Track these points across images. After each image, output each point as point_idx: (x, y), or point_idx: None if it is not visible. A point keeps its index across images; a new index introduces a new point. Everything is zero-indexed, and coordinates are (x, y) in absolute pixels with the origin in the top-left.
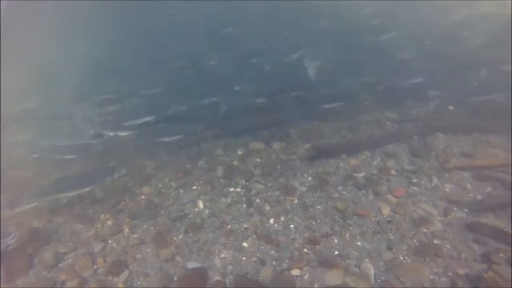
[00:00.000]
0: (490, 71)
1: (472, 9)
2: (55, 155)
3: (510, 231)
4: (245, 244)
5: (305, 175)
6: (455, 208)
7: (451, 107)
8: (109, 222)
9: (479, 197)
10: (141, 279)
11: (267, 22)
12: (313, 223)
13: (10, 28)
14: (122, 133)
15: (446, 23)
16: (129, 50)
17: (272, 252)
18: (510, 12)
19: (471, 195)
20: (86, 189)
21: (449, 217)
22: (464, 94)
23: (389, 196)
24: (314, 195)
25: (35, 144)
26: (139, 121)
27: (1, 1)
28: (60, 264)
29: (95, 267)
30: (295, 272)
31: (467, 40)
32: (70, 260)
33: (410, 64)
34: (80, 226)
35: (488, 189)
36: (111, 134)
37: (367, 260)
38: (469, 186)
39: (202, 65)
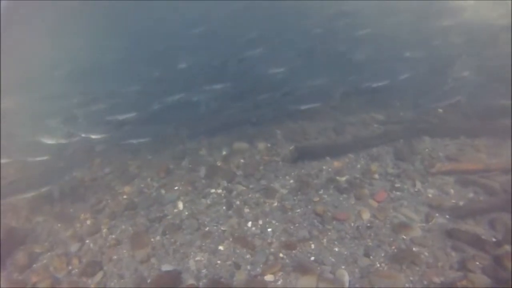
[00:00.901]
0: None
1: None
2: (26, 157)
3: (487, 238)
4: (221, 247)
5: (287, 177)
6: (437, 214)
7: (440, 110)
8: (88, 222)
9: (461, 202)
10: (115, 280)
11: (237, 23)
12: (291, 227)
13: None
14: (95, 135)
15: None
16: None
17: (248, 256)
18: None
19: (453, 200)
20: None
21: (430, 223)
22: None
23: (371, 201)
24: (295, 198)
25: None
26: (119, 119)
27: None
28: (34, 265)
29: (70, 267)
30: (269, 277)
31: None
32: (45, 261)
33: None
34: (59, 225)
35: (470, 195)
36: (83, 135)
37: (343, 266)
38: (451, 191)
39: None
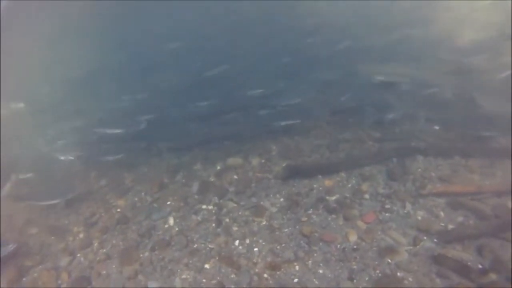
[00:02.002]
0: None
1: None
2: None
3: (474, 266)
4: (207, 266)
5: (278, 195)
6: (425, 237)
7: (436, 127)
8: (81, 235)
9: (450, 226)
10: None
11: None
12: (278, 247)
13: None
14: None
15: None
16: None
17: (233, 275)
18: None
19: (442, 224)
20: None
21: (417, 247)
22: None
23: (359, 222)
24: (284, 217)
25: None
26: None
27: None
28: (24, 279)
29: (59, 282)
30: None
31: None
32: (35, 275)
33: None
34: (52, 238)
35: (460, 219)
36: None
37: None
38: (441, 214)
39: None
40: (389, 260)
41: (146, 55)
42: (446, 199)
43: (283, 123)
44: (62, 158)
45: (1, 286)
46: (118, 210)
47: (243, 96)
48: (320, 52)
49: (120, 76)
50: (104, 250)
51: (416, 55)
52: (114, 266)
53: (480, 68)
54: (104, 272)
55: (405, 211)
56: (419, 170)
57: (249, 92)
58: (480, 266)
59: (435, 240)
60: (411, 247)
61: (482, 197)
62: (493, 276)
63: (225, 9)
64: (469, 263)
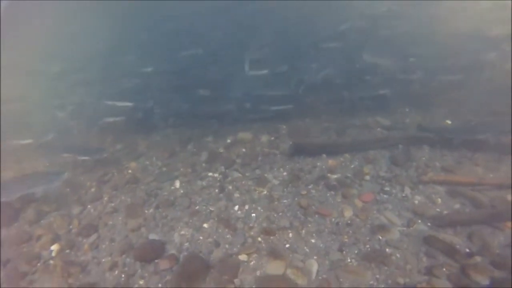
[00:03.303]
0: None
1: None
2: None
3: (461, 249)
4: (205, 225)
5: (281, 169)
6: (419, 221)
7: (448, 121)
8: (93, 190)
9: (445, 212)
10: (106, 243)
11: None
12: (275, 215)
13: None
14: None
15: None
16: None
17: (228, 236)
18: None
19: (438, 209)
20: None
21: (410, 228)
22: None
23: (356, 200)
24: (284, 189)
25: None
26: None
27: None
28: (41, 221)
29: (70, 227)
30: (243, 257)
31: None
32: (51, 219)
33: None
34: (67, 190)
35: (457, 206)
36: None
37: (314, 257)
38: (439, 200)
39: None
40: (380, 237)
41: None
42: (446, 188)
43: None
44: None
45: (21, 225)
46: (130, 171)
47: None
48: None
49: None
50: (112, 204)
51: None
52: (120, 218)
53: None
54: (111, 222)
55: (403, 195)
56: (423, 158)
57: None
58: (467, 250)
59: (428, 223)
60: (404, 228)
61: (483, 188)
62: (477, 259)
63: None
64: (457, 246)
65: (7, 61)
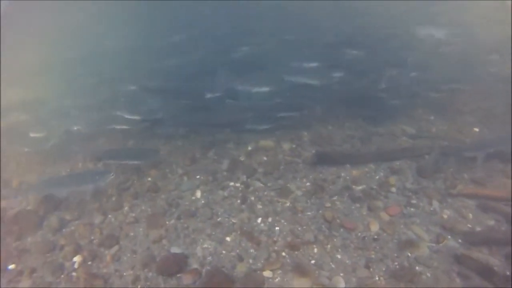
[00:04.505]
0: None
1: None
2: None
3: (499, 271)
4: (228, 238)
5: (304, 179)
6: (449, 236)
7: (476, 129)
8: (114, 198)
9: (478, 228)
10: (128, 255)
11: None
12: (299, 228)
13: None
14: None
15: None
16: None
17: (252, 250)
18: None
19: (469, 225)
20: None
21: (440, 244)
22: None
23: (382, 213)
24: (308, 201)
25: None
26: None
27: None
28: (64, 230)
29: (92, 237)
30: (267, 273)
31: None
32: (72, 227)
33: None
34: (88, 197)
35: (490, 222)
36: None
37: (341, 274)
38: (470, 215)
39: None
40: (409, 254)
41: None
42: (476, 202)
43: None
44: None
45: (45, 233)
46: (149, 179)
47: None
48: None
49: None
50: (133, 214)
51: None
52: (141, 229)
53: None
54: (132, 233)
55: (431, 208)
56: (452, 169)
57: None
58: (507, 273)
59: (459, 240)
60: (434, 244)
61: None
62: None
63: None
64: (495, 268)
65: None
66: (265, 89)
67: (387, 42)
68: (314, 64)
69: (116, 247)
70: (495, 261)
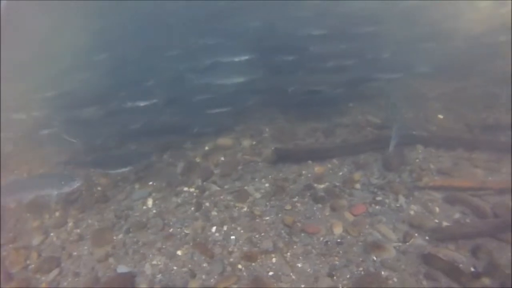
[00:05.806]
0: None
1: None
2: None
3: (466, 268)
4: (179, 252)
5: (263, 180)
6: (416, 234)
7: (440, 116)
8: (57, 213)
9: (444, 223)
10: (69, 279)
11: None
12: (256, 236)
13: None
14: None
15: None
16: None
17: (205, 264)
18: None
19: (436, 220)
20: None
21: (407, 244)
22: None
23: (346, 213)
24: (267, 203)
25: None
26: None
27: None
28: None
29: (28, 262)
30: None
31: None
32: (4, 253)
33: None
34: (28, 215)
35: (457, 216)
36: None
37: (302, 285)
38: (437, 209)
39: None
40: (375, 257)
41: None
42: (444, 194)
43: None
44: None
45: None
46: (99, 188)
47: None
48: None
49: None
50: (78, 230)
51: None
52: (86, 247)
53: None
54: (75, 253)
55: (398, 205)
56: (418, 160)
57: None
58: (473, 269)
59: (427, 237)
60: (400, 244)
61: (483, 193)
62: (486, 281)
63: None
64: (461, 265)
65: None
66: None
67: None
68: None
69: (55, 271)
70: (461, 257)
